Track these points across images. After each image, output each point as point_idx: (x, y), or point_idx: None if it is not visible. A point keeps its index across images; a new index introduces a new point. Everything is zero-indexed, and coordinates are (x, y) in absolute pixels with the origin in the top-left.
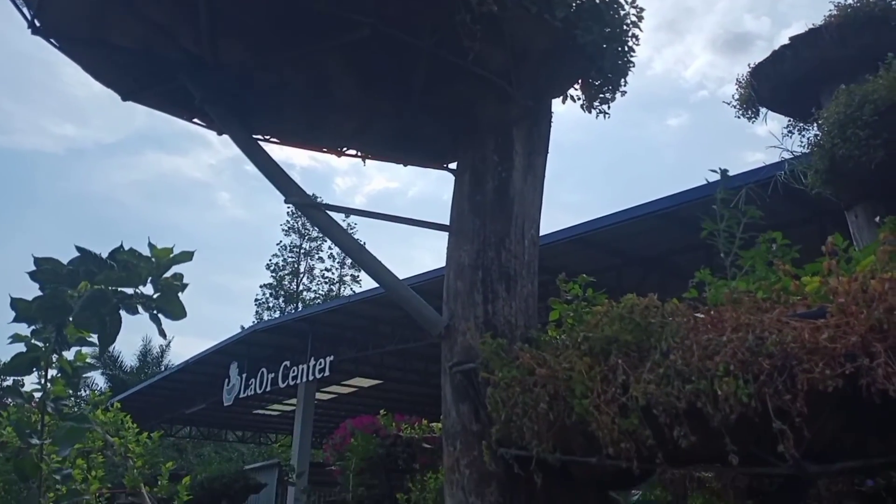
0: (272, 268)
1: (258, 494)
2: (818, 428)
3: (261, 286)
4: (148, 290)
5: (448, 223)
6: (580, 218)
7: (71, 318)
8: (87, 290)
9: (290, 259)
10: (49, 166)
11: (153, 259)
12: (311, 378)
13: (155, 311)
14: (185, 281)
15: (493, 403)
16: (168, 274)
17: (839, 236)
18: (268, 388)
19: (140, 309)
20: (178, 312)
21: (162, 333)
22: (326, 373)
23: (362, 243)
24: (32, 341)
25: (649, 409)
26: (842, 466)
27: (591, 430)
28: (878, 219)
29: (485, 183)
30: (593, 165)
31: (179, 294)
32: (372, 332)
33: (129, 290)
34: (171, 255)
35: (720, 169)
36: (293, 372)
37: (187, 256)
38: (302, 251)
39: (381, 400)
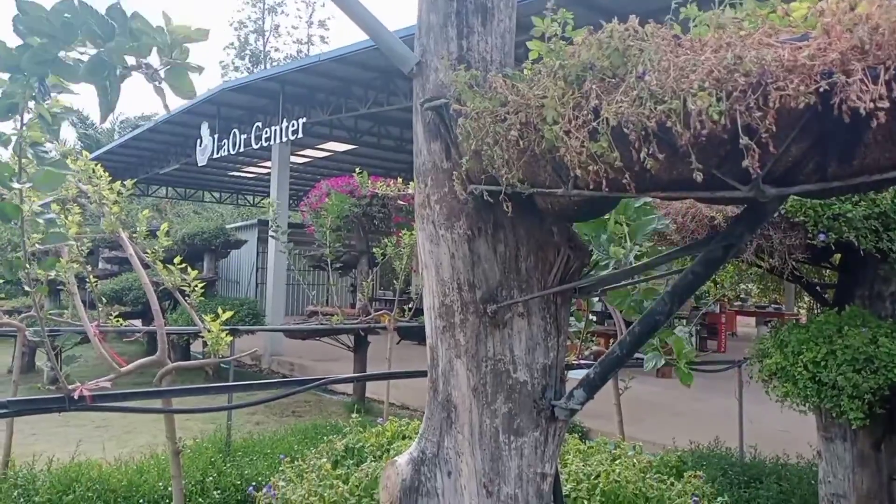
0: (234, 25)
1: (239, 251)
2: (782, 151)
3: (224, 47)
4: (153, 60)
5: None
6: None
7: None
8: (93, 56)
9: (253, 16)
10: None
11: (167, 33)
12: (284, 140)
13: (160, 84)
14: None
15: (463, 134)
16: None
17: None
18: (241, 149)
19: (146, 79)
20: (186, 88)
21: (166, 107)
22: (300, 134)
23: None
24: (9, 88)
25: (619, 131)
26: (800, 189)
27: (559, 157)
28: None
29: None
30: None
31: (190, 73)
32: (345, 94)
33: (132, 61)
34: (187, 32)
35: None
36: (266, 133)
37: (202, 34)
38: (265, 6)
39: (355, 165)
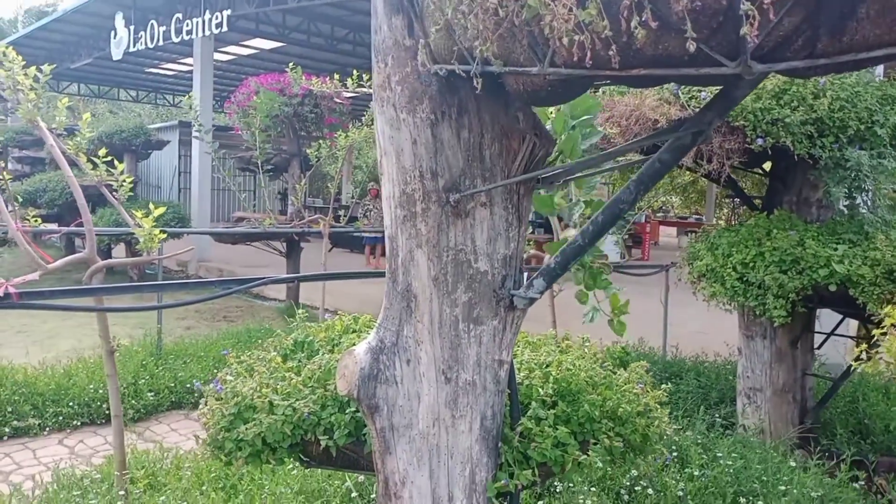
0: None
1: (160, 154)
2: (775, 24)
3: None
4: None
5: None
6: None
7: None
8: None
9: None
10: None
11: None
12: (206, 33)
13: None
14: None
15: (435, 2)
16: None
17: None
18: (160, 42)
19: None
20: None
21: None
22: (224, 28)
23: None
24: None
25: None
26: (787, 66)
27: (538, 31)
28: None
29: None
30: None
31: None
32: None
33: None
34: None
35: None
36: (187, 25)
37: None
38: None
39: (282, 64)
